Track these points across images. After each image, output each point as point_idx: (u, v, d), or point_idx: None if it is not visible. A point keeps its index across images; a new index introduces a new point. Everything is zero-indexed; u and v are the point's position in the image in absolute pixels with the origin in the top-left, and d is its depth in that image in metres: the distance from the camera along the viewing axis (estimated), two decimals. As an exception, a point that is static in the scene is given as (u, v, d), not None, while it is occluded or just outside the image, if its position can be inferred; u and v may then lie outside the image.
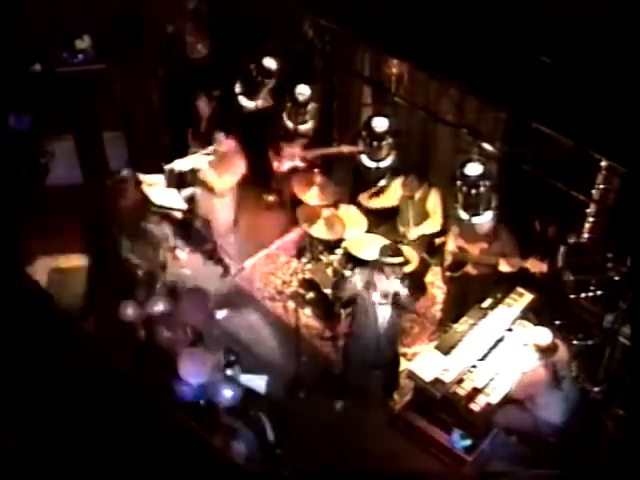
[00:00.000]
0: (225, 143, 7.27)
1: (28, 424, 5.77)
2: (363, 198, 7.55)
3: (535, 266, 6.33)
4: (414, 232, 7.23)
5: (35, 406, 6.00)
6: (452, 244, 6.83)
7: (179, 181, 7.71)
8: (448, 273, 6.95)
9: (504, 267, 6.50)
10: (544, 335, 5.92)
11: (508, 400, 6.18)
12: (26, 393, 6.00)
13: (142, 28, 7.81)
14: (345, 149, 7.64)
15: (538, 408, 5.94)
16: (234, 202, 7.59)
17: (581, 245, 6.48)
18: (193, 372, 5.92)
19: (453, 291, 7.15)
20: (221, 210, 7.50)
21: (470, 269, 6.72)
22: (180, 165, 7.33)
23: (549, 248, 6.55)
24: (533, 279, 6.61)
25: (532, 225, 6.82)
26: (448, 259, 6.88)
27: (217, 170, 7.25)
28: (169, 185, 7.66)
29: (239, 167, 7.34)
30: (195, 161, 7.28)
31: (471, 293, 6.89)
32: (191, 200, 7.60)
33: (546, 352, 5.88)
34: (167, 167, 7.34)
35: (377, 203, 7.49)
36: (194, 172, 7.33)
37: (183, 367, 5.93)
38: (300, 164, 7.89)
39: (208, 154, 7.27)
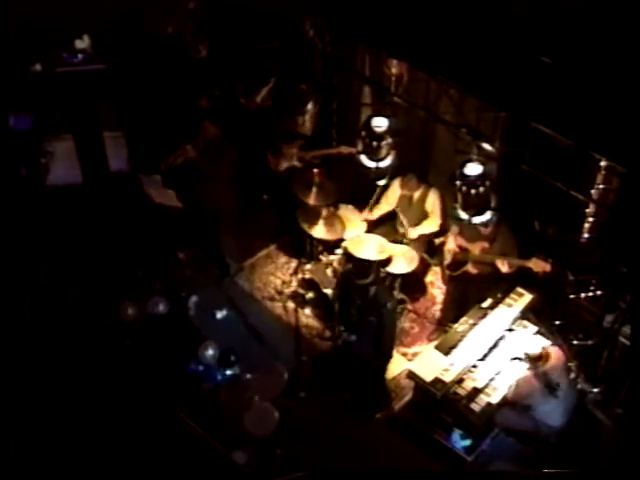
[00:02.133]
0: (210, 130, 7.26)
1: (28, 426, 5.78)
2: (366, 213, 7.55)
3: (538, 266, 6.32)
4: (414, 232, 7.23)
5: (35, 408, 6.02)
6: (452, 243, 6.82)
7: (178, 180, 7.72)
8: (448, 272, 6.95)
9: (504, 267, 6.50)
10: (534, 345, 5.93)
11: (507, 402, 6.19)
12: (26, 394, 6.01)
13: (142, 28, 7.81)
14: (344, 150, 7.63)
15: (536, 415, 5.94)
16: (231, 189, 7.58)
17: (581, 245, 6.47)
18: (259, 426, 5.94)
19: (453, 291, 7.15)
20: (220, 200, 7.50)
21: (470, 268, 6.71)
22: (174, 159, 7.32)
23: (549, 248, 6.54)
24: (533, 279, 6.61)
25: (532, 225, 6.81)
26: (448, 258, 6.88)
27: (209, 157, 7.25)
28: (168, 183, 7.67)
29: (230, 150, 7.33)
30: (186, 152, 7.28)
31: (471, 293, 6.89)
32: (191, 199, 7.61)
33: (537, 361, 5.89)
34: (162, 163, 7.33)
35: (378, 211, 7.49)
36: (189, 164, 7.33)
37: (250, 421, 5.92)
38: (299, 164, 7.88)
39: (196, 143, 7.27)
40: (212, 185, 7.30)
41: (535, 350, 5.90)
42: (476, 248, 6.68)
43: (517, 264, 6.48)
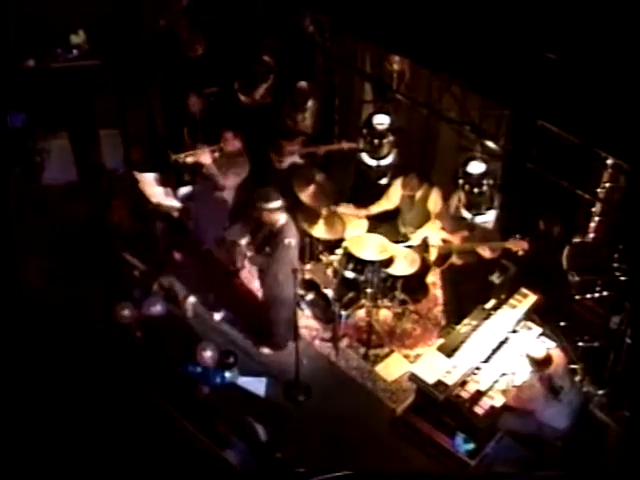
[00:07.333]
0: (232, 143, 7.22)
1: (27, 428, 5.74)
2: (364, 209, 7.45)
3: (517, 245, 6.26)
4: (417, 236, 7.14)
5: (34, 407, 5.97)
6: (435, 238, 6.74)
7: (177, 178, 7.64)
8: (436, 268, 6.88)
9: (485, 252, 6.42)
10: (537, 348, 5.86)
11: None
12: (25, 394, 5.96)
13: (138, 24, 7.73)
14: (345, 145, 7.56)
15: (540, 418, 5.86)
16: (233, 200, 7.50)
17: (586, 245, 6.40)
18: None
19: (447, 287, 7.08)
20: (219, 207, 7.41)
21: (455, 259, 6.65)
22: (186, 157, 7.25)
23: (554, 248, 6.47)
24: (537, 278, 6.52)
25: (536, 224, 6.73)
26: (434, 254, 6.81)
27: (222, 168, 7.19)
28: (167, 183, 7.59)
29: (244, 168, 7.28)
30: (200, 156, 7.21)
31: (465, 286, 6.79)
32: (190, 198, 7.51)
33: (540, 365, 5.82)
34: (174, 157, 7.25)
35: (378, 207, 7.39)
36: (198, 167, 7.25)
37: None
38: (300, 161, 7.79)
39: (214, 151, 7.21)
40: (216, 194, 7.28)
41: (539, 353, 5.81)
42: (457, 238, 6.61)
43: (497, 247, 6.42)
